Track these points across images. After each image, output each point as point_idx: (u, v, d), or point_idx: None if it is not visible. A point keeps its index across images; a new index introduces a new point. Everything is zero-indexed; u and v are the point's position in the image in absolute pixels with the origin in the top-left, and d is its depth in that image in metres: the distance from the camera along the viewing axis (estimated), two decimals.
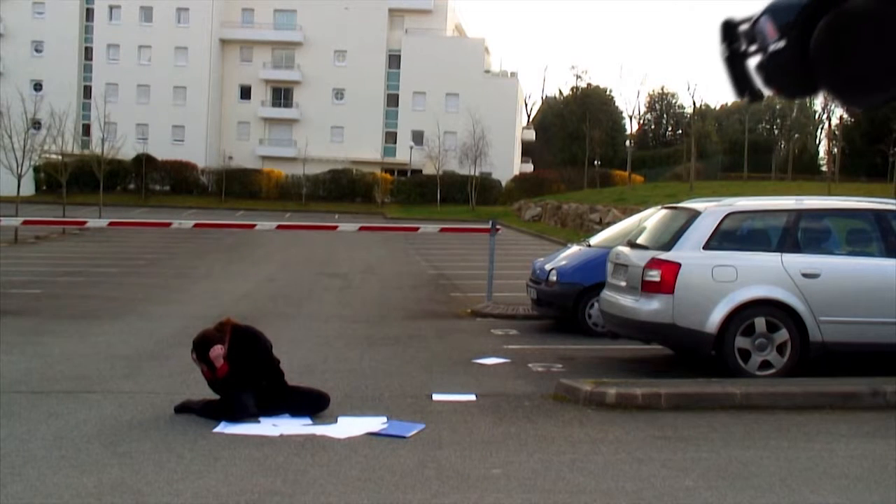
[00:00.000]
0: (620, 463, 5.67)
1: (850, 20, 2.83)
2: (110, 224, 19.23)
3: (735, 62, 3.32)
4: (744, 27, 3.26)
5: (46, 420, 6.49)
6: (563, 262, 11.92)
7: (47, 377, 8.08)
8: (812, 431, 6.62)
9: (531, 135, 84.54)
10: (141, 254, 23.48)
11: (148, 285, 16.47)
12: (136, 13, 72.69)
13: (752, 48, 3.17)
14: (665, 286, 8.25)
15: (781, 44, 2.91)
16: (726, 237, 8.52)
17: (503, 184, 64.55)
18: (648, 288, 8.39)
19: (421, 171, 67.92)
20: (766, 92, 3.21)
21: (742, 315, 8.12)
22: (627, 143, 72.99)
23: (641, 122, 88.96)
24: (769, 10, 3.00)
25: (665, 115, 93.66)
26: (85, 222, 19.16)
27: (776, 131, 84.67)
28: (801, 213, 8.67)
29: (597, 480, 5.32)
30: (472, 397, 7.54)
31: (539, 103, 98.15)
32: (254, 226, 20.33)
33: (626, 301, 8.72)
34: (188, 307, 13.53)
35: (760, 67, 3.08)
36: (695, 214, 8.67)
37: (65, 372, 8.34)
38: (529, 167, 79.36)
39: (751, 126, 67.36)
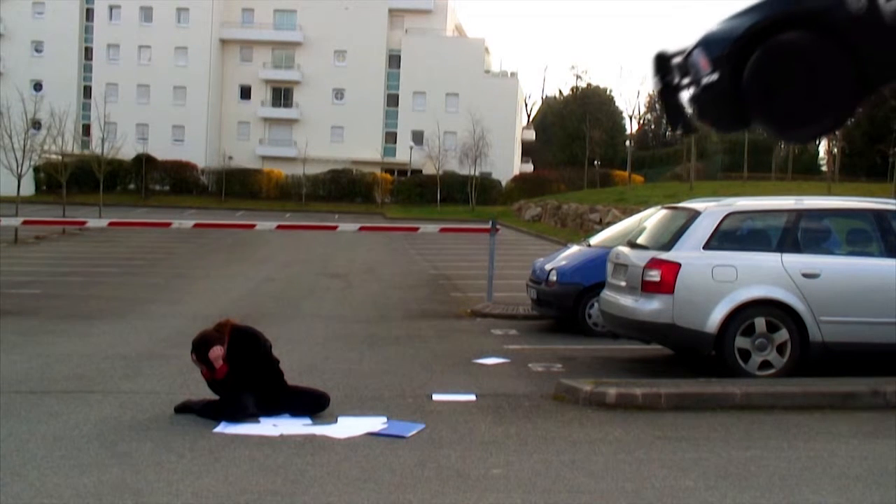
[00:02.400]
0: (620, 463, 5.67)
1: (782, 54, 2.82)
2: (110, 224, 19.23)
3: (668, 95, 3.32)
4: (676, 60, 3.26)
5: (46, 420, 6.49)
6: (563, 262, 11.92)
7: (47, 377, 8.08)
8: (812, 431, 6.62)
9: (531, 135, 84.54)
10: (141, 254, 23.49)
11: (148, 285, 16.47)
12: (136, 13, 72.74)
13: (685, 81, 3.17)
14: (665, 286, 8.25)
15: (714, 76, 2.91)
16: (726, 237, 8.52)
17: (503, 184, 64.57)
18: (648, 288, 8.39)
19: (421, 171, 67.92)
20: (699, 125, 3.21)
21: (742, 315, 8.12)
22: (627, 143, 72.93)
23: (641, 122, 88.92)
24: (702, 43, 3.00)
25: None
26: (85, 222, 19.16)
27: None
28: (801, 213, 8.67)
29: (597, 480, 5.32)
30: (472, 397, 7.54)
31: (539, 103, 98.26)
32: (254, 226, 20.33)
33: (626, 301, 8.72)
34: (188, 307, 13.53)
35: (694, 100, 3.08)
36: (695, 214, 8.67)
37: (65, 372, 8.34)
38: (529, 167, 79.39)
39: None
